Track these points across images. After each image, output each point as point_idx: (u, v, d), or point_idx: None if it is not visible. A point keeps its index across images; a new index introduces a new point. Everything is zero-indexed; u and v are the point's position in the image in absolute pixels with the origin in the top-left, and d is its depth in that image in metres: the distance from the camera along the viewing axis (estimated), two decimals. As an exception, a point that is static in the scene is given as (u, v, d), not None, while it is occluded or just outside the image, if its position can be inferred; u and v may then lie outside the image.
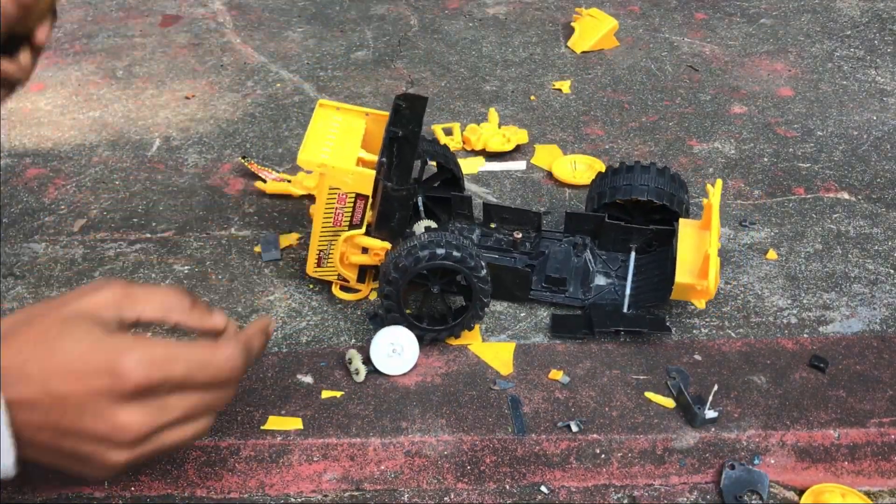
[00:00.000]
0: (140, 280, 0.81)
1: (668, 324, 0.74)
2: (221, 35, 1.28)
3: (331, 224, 0.74)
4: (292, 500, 0.65)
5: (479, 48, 1.24)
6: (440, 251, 0.68)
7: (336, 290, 0.79)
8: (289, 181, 0.92)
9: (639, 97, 1.11)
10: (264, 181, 0.93)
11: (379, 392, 0.69)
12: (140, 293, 0.52)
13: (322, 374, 0.71)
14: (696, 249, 0.74)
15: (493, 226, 0.83)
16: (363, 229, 0.74)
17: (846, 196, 0.93)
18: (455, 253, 0.68)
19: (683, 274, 0.72)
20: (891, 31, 1.26)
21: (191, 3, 1.37)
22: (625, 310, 0.75)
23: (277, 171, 0.95)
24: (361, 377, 0.70)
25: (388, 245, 0.75)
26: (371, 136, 0.77)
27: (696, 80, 1.15)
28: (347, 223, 0.74)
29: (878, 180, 0.95)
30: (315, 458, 0.66)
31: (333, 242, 0.75)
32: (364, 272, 0.78)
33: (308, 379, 0.71)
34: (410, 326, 0.71)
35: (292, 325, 0.76)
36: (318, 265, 0.77)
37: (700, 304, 0.76)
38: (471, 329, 0.73)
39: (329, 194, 0.73)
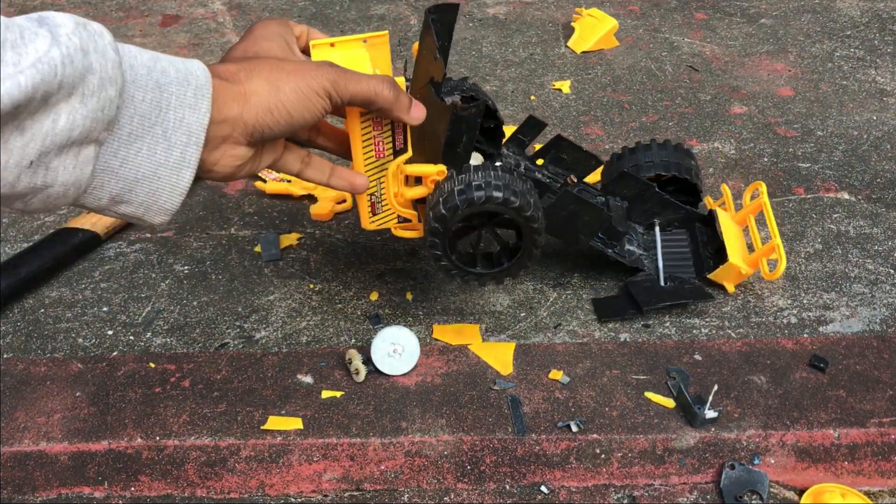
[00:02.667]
0: (140, 280, 0.81)
1: (708, 291, 0.76)
2: (221, 35, 1.28)
3: (373, 158, 0.65)
4: (292, 500, 0.65)
5: (479, 48, 1.24)
6: (497, 194, 0.64)
7: (398, 231, 0.71)
8: (289, 181, 0.92)
9: (639, 97, 1.11)
10: (264, 181, 0.93)
11: (379, 392, 0.69)
12: (353, 77, 0.57)
13: (322, 374, 0.71)
14: (736, 237, 0.79)
15: (540, 162, 0.78)
16: (409, 152, 0.66)
17: (846, 196, 0.93)
18: (513, 199, 0.64)
19: (735, 257, 0.76)
20: (891, 32, 1.26)
21: (190, 3, 1.37)
22: (662, 284, 0.77)
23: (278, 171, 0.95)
24: (361, 377, 0.70)
25: (443, 168, 0.67)
26: (376, 62, 0.68)
27: (696, 80, 1.15)
28: (391, 150, 0.65)
29: (878, 180, 0.95)
30: (315, 458, 0.66)
31: (383, 179, 0.66)
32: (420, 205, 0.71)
33: (308, 379, 0.71)
34: (461, 272, 0.69)
35: (292, 325, 0.76)
36: (373, 213, 0.68)
37: (731, 287, 0.79)
38: (528, 267, 0.70)
39: (363, 123, 0.63)
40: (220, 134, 0.52)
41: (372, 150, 0.65)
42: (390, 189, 0.67)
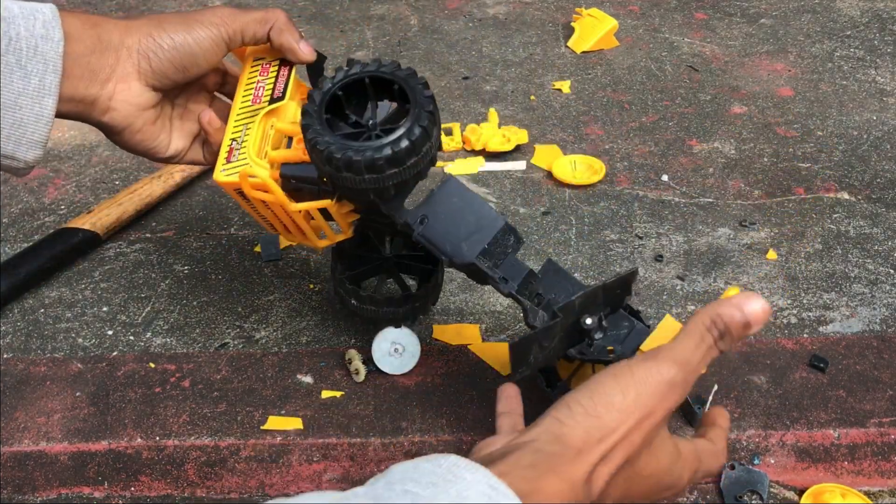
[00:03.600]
0: (140, 280, 0.81)
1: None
2: (221, 35, 1.28)
3: (249, 104, 0.60)
4: (292, 500, 0.65)
5: (479, 48, 1.24)
6: None
7: (242, 183, 0.58)
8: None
9: (639, 97, 1.11)
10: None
11: (379, 392, 0.69)
12: (247, 10, 0.60)
13: (322, 374, 0.71)
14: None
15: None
16: (286, 100, 0.60)
17: (846, 196, 0.93)
18: None
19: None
20: (891, 32, 1.26)
21: (190, 3, 1.37)
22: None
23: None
24: (361, 377, 0.70)
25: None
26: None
27: (696, 80, 1.15)
28: (268, 97, 0.60)
29: (878, 180, 0.95)
30: (315, 459, 0.66)
31: (249, 125, 0.59)
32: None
33: (308, 379, 0.71)
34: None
35: (292, 325, 0.76)
36: (228, 161, 0.59)
37: None
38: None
39: (252, 66, 0.63)
40: (103, 64, 0.55)
41: (251, 95, 0.61)
42: (253, 137, 0.59)
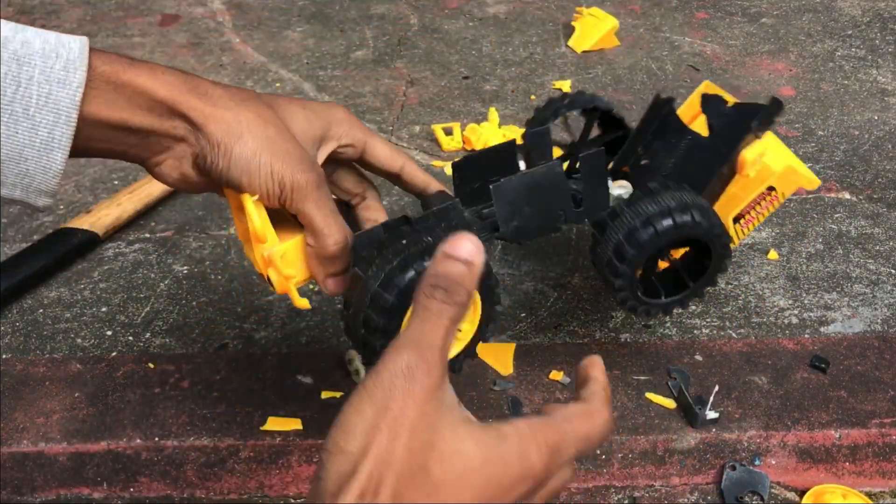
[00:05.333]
0: (139, 280, 0.81)
1: None
2: (221, 34, 1.28)
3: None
4: (292, 500, 0.65)
5: (479, 47, 1.24)
6: (684, 218, 0.58)
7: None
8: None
9: (639, 97, 1.11)
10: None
11: (379, 392, 0.69)
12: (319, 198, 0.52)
13: (322, 375, 0.71)
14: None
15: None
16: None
17: (847, 196, 0.92)
18: (700, 220, 0.58)
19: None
20: (892, 31, 1.26)
21: (190, 3, 1.37)
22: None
23: None
24: (361, 377, 0.70)
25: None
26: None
27: (696, 79, 1.15)
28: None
29: (880, 180, 0.95)
30: (315, 459, 0.65)
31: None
32: None
33: (308, 379, 0.71)
34: (647, 307, 0.63)
35: (292, 326, 0.76)
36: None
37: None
38: (715, 285, 0.64)
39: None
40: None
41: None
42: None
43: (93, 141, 0.48)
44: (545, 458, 0.39)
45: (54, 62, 0.45)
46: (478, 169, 0.63)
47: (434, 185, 0.60)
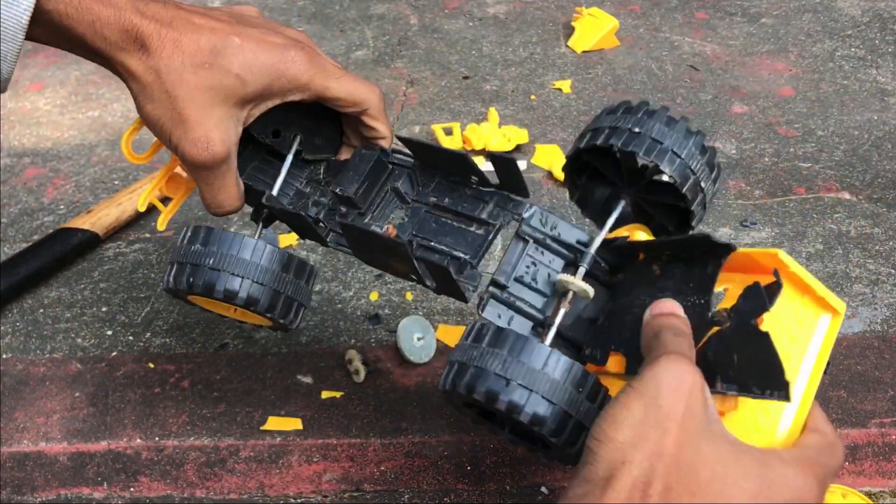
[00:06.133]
0: (139, 280, 0.81)
1: None
2: (221, 34, 1.28)
3: None
4: (292, 500, 0.65)
5: (479, 47, 1.24)
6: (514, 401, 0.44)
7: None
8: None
9: (639, 97, 1.11)
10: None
11: (379, 392, 0.69)
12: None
13: (322, 375, 0.71)
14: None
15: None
16: None
17: (847, 196, 0.92)
18: (545, 415, 0.44)
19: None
20: (892, 31, 1.26)
21: (189, 3, 1.37)
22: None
23: None
24: (361, 377, 0.70)
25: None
26: None
27: (696, 79, 1.15)
28: None
29: (880, 180, 0.95)
30: (315, 459, 0.65)
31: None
32: None
33: (308, 379, 0.71)
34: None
35: (292, 326, 0.76)
36: None
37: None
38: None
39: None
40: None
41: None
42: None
43: (38, 41, 0.50)
44: (814, 492, 0.39)
45: None
46: (432, 159, 0.55)
47: (385, 141, 0.57)
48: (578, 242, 0.51)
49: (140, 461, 0.65)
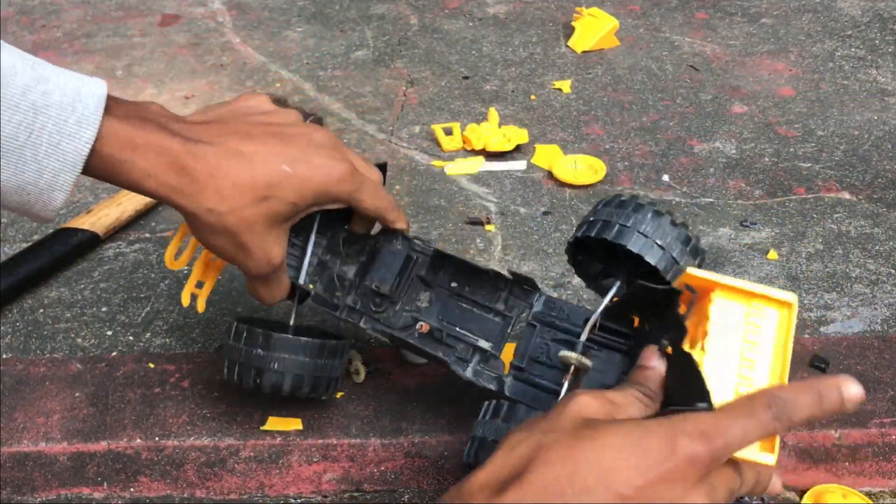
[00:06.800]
0: (139, 280, 0.81)
1: None
2: (221, 35, 1.28)
3: None
4: (292, 500, 0.65)
5: (479, 47, 1.24)
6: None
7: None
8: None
9: (639, 97, 1.11)
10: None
11: (379, 392, 0.69)
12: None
13: (322, 375, 0.71)
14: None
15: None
16: None
17: (847, 196, 0.92)
18: None
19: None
20: (892, 31, 1.26)
21: (190, 3, 1.37)
22: None
23: None
24: (361, 377, 0.70)
25: None
26: None
27: (696, 79, 1.15)
28: None
29: (880, 180, 0.95)
30: (315, 459, 0.65)
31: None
32: None
33: (308, 379, 0.71)
34: None
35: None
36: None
37: None
38: None
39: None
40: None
41: None
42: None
43: (94, 177, 0.53)
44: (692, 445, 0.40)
45: (69, 115, 0.49)
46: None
47: (400, 224, 0.63)
48: (585, 321, 0.58)
49: (140, 461, 0.65)
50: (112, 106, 0.52)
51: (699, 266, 0.56)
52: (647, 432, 0.40)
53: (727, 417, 0.41)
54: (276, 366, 0.59)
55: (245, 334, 0.60)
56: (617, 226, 0.55)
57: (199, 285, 0.65)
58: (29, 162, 0.48)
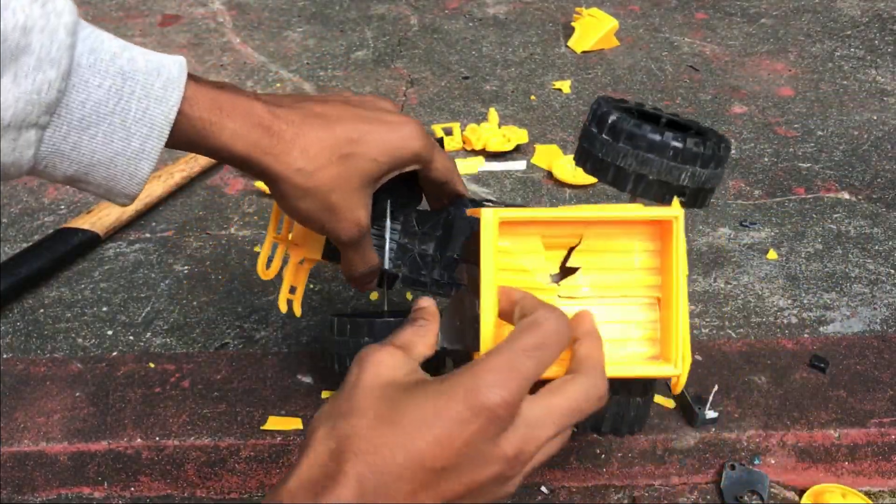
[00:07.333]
0: (139, 280, 0.81)
1: None
2: (221, 35, 1.28)
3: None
4: (292, 500, 0.65)
5: (479, 48, 1.24)
6: None
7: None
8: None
9: (639, 97, 1.11)
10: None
11: (379, 392, 0.69)
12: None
13: (322, 375, 0.71)
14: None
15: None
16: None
17: (846, 196, 0.93)
18: None
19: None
20: (891, 31, 1.26)
21: (190, 3, 1.37)
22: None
23: None
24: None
25: None
26: None
27: (696, 79, 1.15)
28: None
29: (879, 180, 0.95)
30: (315, 459, 0.65)
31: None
32: None
33: (308, 379, 0.71)
34: None
35: (292, 326, 0.76)
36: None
37: None
38: None
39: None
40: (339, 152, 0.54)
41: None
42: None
43: (179, 147, 0.52)
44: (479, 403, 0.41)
45: (154, 80, 0.48)
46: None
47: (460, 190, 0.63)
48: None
49: (140, 461, 0.65)
50: (191, 74, 0.51)
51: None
52: (446, 398, 0.41)
53: (515, 353, 0.43)
54: None
55: (349, 326, 0.61)
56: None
57: (292, 290, 0.66)
58: (118, 129, 0.47)
